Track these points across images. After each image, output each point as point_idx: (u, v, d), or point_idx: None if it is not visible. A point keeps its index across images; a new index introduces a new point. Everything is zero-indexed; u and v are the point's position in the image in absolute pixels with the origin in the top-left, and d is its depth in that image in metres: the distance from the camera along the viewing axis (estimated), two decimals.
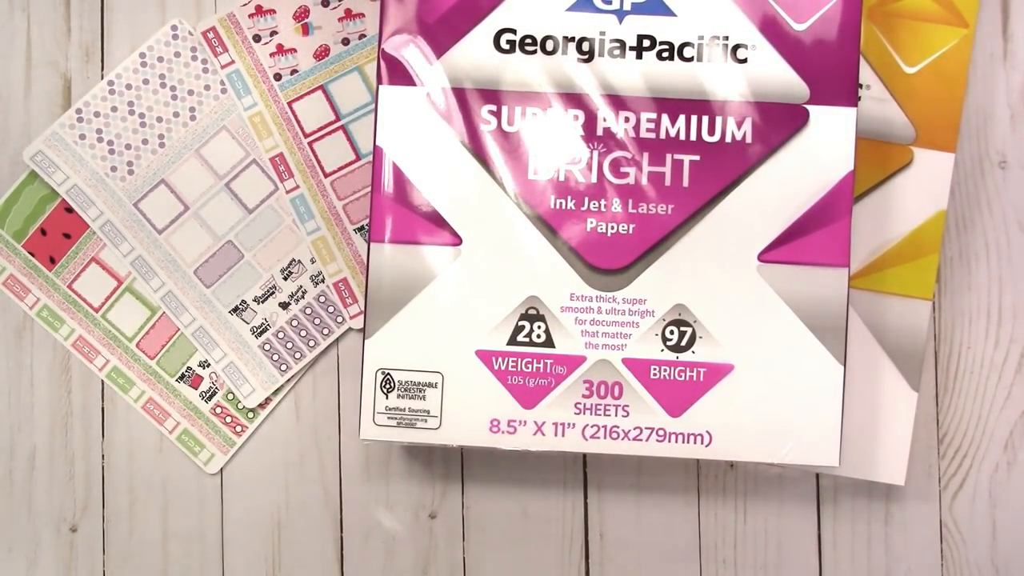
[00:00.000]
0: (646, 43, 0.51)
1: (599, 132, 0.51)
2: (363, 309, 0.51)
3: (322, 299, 0.57)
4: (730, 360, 0.51)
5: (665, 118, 0.51)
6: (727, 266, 0.50)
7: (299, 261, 0.57)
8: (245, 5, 0.57)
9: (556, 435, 0.51)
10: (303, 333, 0.57)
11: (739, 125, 0.50)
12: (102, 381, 0.57)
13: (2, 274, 0.57)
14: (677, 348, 0.51)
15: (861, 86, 0.55)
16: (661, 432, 0.51)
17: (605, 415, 0.51)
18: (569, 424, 0.51)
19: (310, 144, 0.57)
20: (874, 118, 0.55)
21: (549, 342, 0.51)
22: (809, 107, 0.50)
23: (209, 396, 0.57)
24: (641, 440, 0.51)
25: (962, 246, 0.57)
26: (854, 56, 0.50)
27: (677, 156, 0.51)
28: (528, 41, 0.51)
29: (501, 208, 0.51)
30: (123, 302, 0.57)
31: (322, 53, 0.57)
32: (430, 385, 0.51)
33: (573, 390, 0.51)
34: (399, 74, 0.51)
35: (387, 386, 0.51)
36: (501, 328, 0.51)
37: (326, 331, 0.57)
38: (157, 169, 0.57)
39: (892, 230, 0.55)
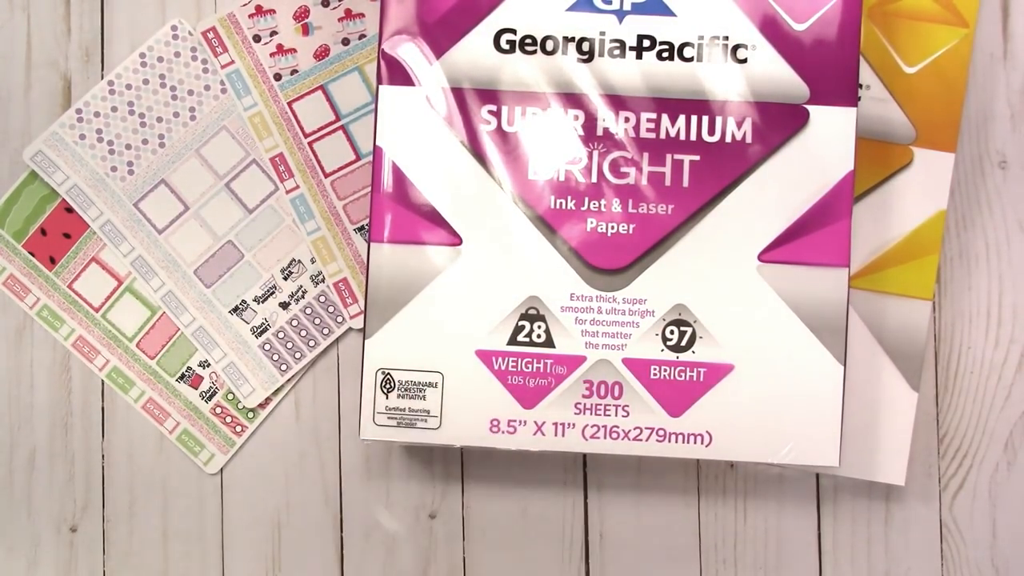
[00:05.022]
0: (646, 43, 0.51)
1: (599, 132, 0.51)
2: (363, 309, 0.51)
3: (322, 299, 0.57)
4: (730, 360, 0.51)
5: (665, 118, 0.51)
6: (727, 266, 0.50)
7: (299, 261, 0.57)
8: (245, 5, 0.57)
9: (556, 435, 0.51)
10: (303, 333, 0.57)
11: (739, 125, 0.50)
12: (102, 381, 0.57)
13: (2, 274, 0.57)
14: (677, 348, 0.51)
15: (861, 86, 0.55)
16: (661, 432, 0.51)
17: (605, 415, 0.51)
18: (569, 424, 0.51)
19: (310, 144, 0.57)
20: (874, 118, 0.55)
21: (549, 342, 0.51)
22: (809, 107, 0.50)
23: (209, 396, 0.57)
24: (641, 440, 0.51)
25: (962, 246, 0.57)
26: (854, 56, 0.50)
27: (677, 156, 0.51)
28: (528, 41, 0.51)
29: (501, 208, 0.51)
30: (123, 302, 0.57)
31: (322, 53, 0.57)
32: (430, 385, 0.51)
33: (573, 390, 0.51)
34: (399, 74, 0.51)
35: (387, 386, 0.51)
36: (501, 328, 0.51)
37: (326, 331, 0.57)
38: (157, 169, 0.57)
39: (892, 230, 0.55)
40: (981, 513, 0.57)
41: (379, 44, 0.51)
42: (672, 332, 0.51)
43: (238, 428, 0.57)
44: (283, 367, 0.57)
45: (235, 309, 0.57)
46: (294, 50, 0.57)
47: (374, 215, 0.51)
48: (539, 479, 0.57)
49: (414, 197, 0.51)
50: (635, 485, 0.57)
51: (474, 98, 0.51)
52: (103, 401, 0.58)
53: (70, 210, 0.57)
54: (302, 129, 0.57)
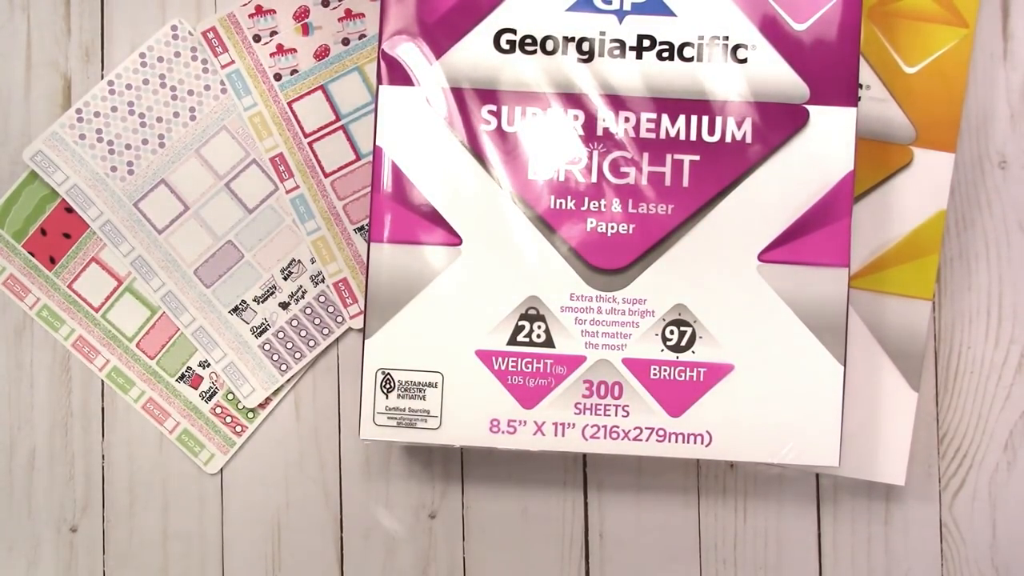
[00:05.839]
0: (646, 43, 0.51)
1: (599, 132, 0.51)
2: (363, 309, 0.51)
3: (322, 299, 0.57)
4: (730, 360, 0.51)
5: (665, 118, 0.51)
6: (727, 266, 0.50)
7: (299, 261, 0.57)
8: (245, 5, 0.57)
9: (556, 435, 0.51)
10: (303, 333, 0.57)
11: (739, 125, 0.50)
12: (102, 381, 0.57)
13: (2, 274, 0.57)
14: (677, 348, 0.51)
15: (861, 86, 0.55)
16: (661, 432, 0.51)
17: (605, 415, 0.51)
18: (569, 424, 0.51)
19: (310, 144, 0.57)
20: (874, 118, 0.55)
21: (549, 342, 0.51)
22: (809, 107, 0.50)
23: (209, 396, 0.57)
24: (641, 440, 0.51)
25: (962, 246, 0.57)
26: (854, 56, 0.50)
27: (677, 156, 0.51)
28: (528, 41, 0.51)
29: (501, 208, 0.51)
30: (123, 302, 0.57)
31: (322, 53, 0.57)
32: (430, 385, 0.51)
33: (573, 390, 0.51)
34: (399, 74, 0.51)
35: (387, 386, 0.51)
36: (501, 328, 0.51)
37: (326, 331, 0.57)
38: (157, 169, 0.57)
39: (892, 230, 0.55)
40: (981, 513, 0.57)
41: (379, 44, 0.51)
42: (672, 332, 0.51)
43: (238, 428, 0.57)
44: (283, 367, 0.57)
45: (235, 309, 0.57)
46: (294, 50, 0.57)
47: (374, 215, 0.51)
48: (539, 479, 0.57)
49: (414, 197, 0.51)
50: (635, 485, 0.57)
51: (474, 98, 0.51)
52: (103, 401, 0.58)
53: (70, 210, 0.57)
54: (302, 129, 0.57)
